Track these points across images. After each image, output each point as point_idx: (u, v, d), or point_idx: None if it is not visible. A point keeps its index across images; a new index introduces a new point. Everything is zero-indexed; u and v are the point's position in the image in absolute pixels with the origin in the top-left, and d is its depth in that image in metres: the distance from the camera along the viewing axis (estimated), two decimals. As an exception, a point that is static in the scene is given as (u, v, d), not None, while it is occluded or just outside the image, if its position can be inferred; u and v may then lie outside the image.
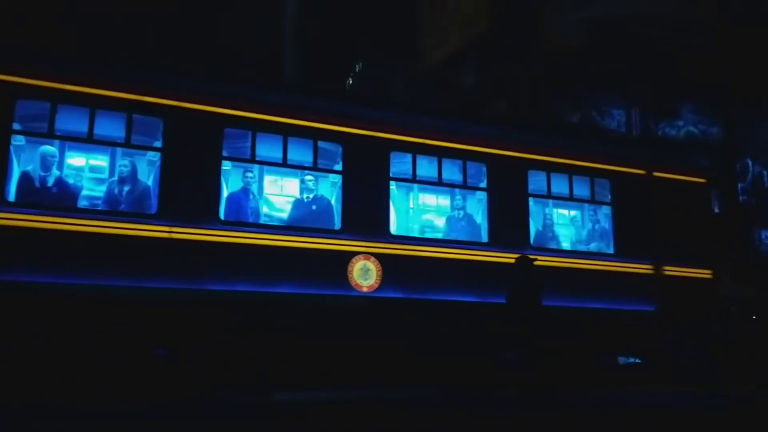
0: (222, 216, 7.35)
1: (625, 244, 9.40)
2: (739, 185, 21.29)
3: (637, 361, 10.10)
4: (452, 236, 8.71)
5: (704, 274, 9.85)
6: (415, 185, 8.76)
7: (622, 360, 10.60)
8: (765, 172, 21.51)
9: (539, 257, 8.71)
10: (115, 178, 7.14)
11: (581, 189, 9.41)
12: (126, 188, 6.99)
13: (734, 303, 15.75)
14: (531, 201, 9.09)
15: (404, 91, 22.74)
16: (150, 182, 7.35)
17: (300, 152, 7.94)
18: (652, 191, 9.77)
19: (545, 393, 8.28)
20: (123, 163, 7.08)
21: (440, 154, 8.55)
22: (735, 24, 20.45)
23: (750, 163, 21.33)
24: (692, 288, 9.68)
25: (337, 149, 8.05)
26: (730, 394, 9.49)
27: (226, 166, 7.64)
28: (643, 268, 9.45)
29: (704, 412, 8.20)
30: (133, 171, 7.13)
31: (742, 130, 21.30)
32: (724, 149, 20.86)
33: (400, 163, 8.43)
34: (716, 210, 20.67)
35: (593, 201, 9.47)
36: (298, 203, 8.06)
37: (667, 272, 9.57)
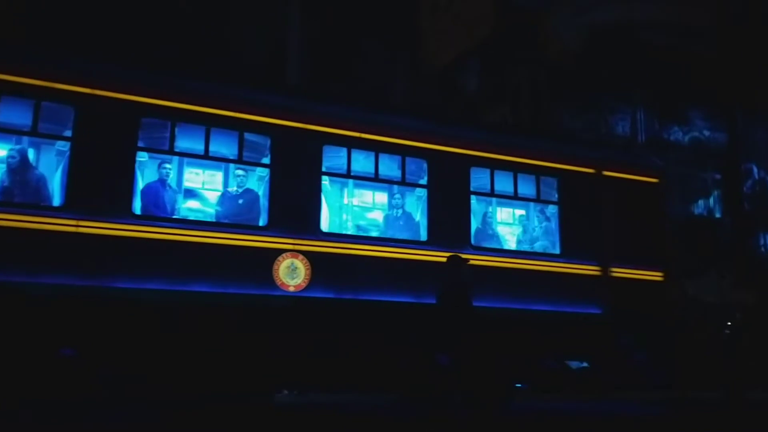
0: (135, 210, 6.93)
1: (572, 245, 9.09)
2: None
3: (584, 365, 9.79)
4: (389, 234, 8.35)
5: (654, 276, 9.56)
6: (350, 181, 8.40)
7: (574, 365, 10.31)
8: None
9: (481, 257, 8.45)
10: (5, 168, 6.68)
11: (527, 187, 9.10)
12: (18, 179, 6.54)
13: (737, 308, 15.58)
14: (473, 199, 8.77)
15: (407, 94, 22.46)
16: (58, 173, 6.92)
17: (224, 144, 7.55)
18: (601, 190, 9.48)
19: (478, 397, 7.99)
20: (11, 154, 6.63)
21: (377, 148, 8.20)
22: (737, 29, 20.37)
23: (755, 168, 21.24)
24: (641, 290, 9.40)
25: (265, 141, 7.66)
26: (676, 400, 9.25)
27: (142, 157, 7.22)
28: (590, 269, 9.14)
29: (645, 420, 7.92)
30: (23, 161, 6.67)
31: (748, 136, 21.19)
32: (729, 154, 20.74)
33: (333, 158, 8.06)
34: (718, 215, 20.63)
35: (539, 200, 9.16)
36: (222, 198, 7.67)
37: (615, 274, 9.28)
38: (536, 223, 9.31)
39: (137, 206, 7.02)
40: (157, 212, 7.11)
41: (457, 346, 7.66)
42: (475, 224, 8.81)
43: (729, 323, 16.12)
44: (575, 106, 19.02)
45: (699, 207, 20.72)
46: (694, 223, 20.18)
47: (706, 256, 18.91)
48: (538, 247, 9.16)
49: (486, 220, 9.02)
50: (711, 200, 20.91)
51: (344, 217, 8.46)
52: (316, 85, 21.44)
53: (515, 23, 20.20)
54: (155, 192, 7.21)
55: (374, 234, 8.46)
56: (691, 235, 19.24)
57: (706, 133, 21.03)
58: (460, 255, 7.82)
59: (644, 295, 9.38)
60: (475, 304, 7.99)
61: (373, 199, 8.76)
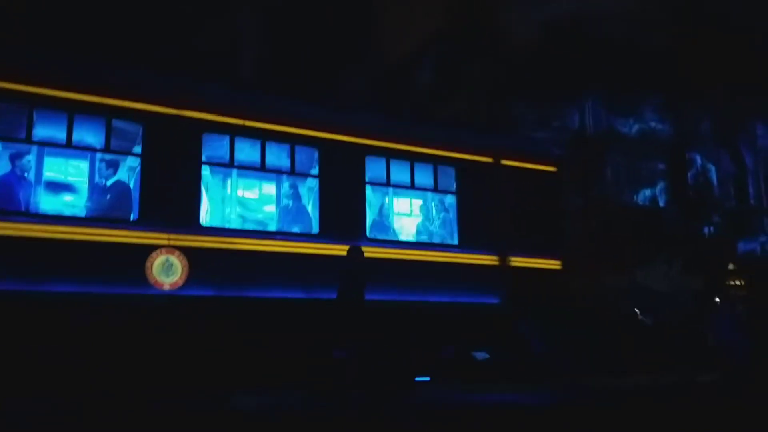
0: (-17, 205, 6.28)
1: (470, 235, 8.97)
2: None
3: (486, 356, 9.72)
4: (278, 227, 7.99)
5: (552, 264, 9.58)
6: (234, 171, 7.96)
7: (480, 355, 10.25)
8: (710, 167, 21.99)
9: (377, 249, 8.21)
10: None
11: (424, 177, 8.91)
12: None
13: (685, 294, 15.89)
14: (368, 189, 8.50)
15: (362, 90, 21.97)
16: None
17: (90, 132, 6.97)
18: (499, 179, 9.40)
19: (373, 392, 7.77)
20: None
21: (264, 137, 7.80)
22: (688, 23, 20.85)
23: (698, 158, 21.80)
24: (540, 279, 9.39)
25: (137, 129, 7.12)
26: (572, 389, 9.30)
27: (-6, 147, 6.58)
28: (488, 259, 9.05)
29: (537, 410, 7.88)
30: None
31: (693, 127, 21.73)
32: (675, 145, 21.22)
33: (215, 147, 7.60)
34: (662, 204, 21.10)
35: (436, 190, 8.97)
36: (88, 190, 7.08)
37: (513, 263, 9.22)
38: (434, 213, 9.13)
39: (-14, 200, 6.36)
40: (11, 207, 6.46)
41: (351, 340, 7.41)
42: (370, 215, 8.56)
43: (636, 310, 16.55)
44: (529, 99, 19.11)
45: (644, 196, 21.24)
46: (640, 212, 20.64)
47: (653, 245, 19.32)
48: (436, 237, 8.99)
49: (382, 211, 8.78)
50: (656, 190, 21.46)
51: (227, 209, 8.02)
52: (273, 81, 20.71)
53: (470, 18, 20.17)
54: (9, 185, 6.56)
55: (262, 227, 8.07)
56: (637, 224, 19.63)
57: (653, 124, 21.53)
58: (360, 246, 7.56)
59: (542, 283, 9.37)
60: (373, 296, 7.77)
61: (260, 191, 8.34)
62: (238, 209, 8.10)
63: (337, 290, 7.21)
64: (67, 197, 7.16)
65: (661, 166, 21.76)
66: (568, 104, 20.30)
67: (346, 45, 23.00)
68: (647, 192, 21.50)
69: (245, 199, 8.25)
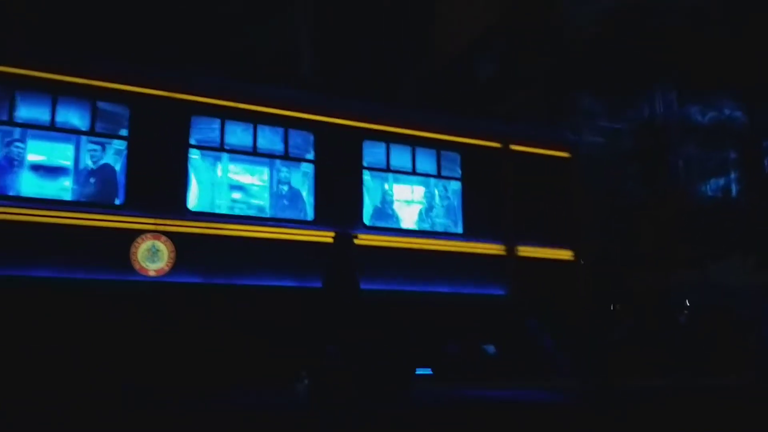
0: (-37, 187, 6.21)
1: (475, 223, 8.57)
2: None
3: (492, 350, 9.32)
4: (270, 213, 7.75)
5: (564, 255, 9.11)
6: (224, 155, 7.74)
7: (491, 349, 9.86)
8: None
9: (375, 237, 7.92)
10: None
11: (426, 163, 8.55)
12: None
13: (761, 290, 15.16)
14: (366, 174, 8.20)
15: (418, 84, 21.74)
16: None
17: (75, 115, 6.84)
18: (508, 166, 8.97)
19: (371, 388, 7.49)
20: None
21: (255, 120, 7.56)
22: (753, 11, 19.99)
23: None
24: (550, 270, 8.93)
25: (123, 112, 6.96)
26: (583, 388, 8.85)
27: (-26, 129, 6.49)
28: (494, 249, 8.64)
29: (545, 408, 7.50)
30: None
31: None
32: (749, 133, 20.36)
33: (205, 130, 7.40)
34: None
35: (440, 176, 8.60)
36: (74, 174, 6.97)
37: (521, 253, 8.79)
38: (437, 200, 8.76)
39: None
40: (-5, 191, 6.37)
41: (343, 334, 7.12)
42: (369, 202, 8.25)
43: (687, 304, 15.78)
44: (593, 90, 18.55)
45: (717, 186, 20.36)
46: (712, 204, 19.78)
47: (726, 237, 18.43)
48: (439, 226, 8.63)
49: (381, 198, 8.46)
50: (729, 180, 20.55)
51: (217, 194, 7.81)
52: (328, 77, 20.48)
53: (529, 9, 19.75)
54: (-6, 168, 6.47)
55: (253, 213, 7.84)
56: (709, 217, 18.82)
57: (726, 112, 20.63)
58: (348, 232, 7.26)
59: (553, 275, 8.92)
60: (372, 286, 7.49)
61: (252, 175, 8.11)
62: (228, 194, 7.88)
63: (322, 280, 6.90)
64: (51, 180, 7.05)
65: (734, 155, 20.66)
66: (638, 94, 19.46)
67: (402, 41, 22.71)
68: (720, 182, 20.46)
69: (236, 183, 8.03)
